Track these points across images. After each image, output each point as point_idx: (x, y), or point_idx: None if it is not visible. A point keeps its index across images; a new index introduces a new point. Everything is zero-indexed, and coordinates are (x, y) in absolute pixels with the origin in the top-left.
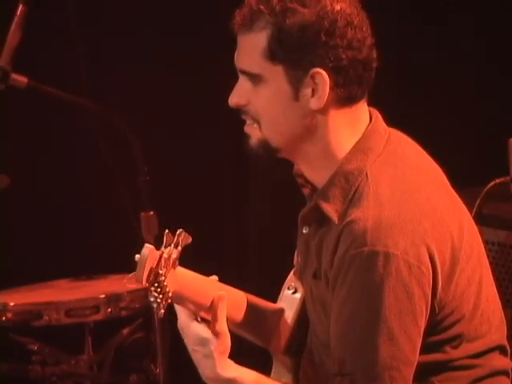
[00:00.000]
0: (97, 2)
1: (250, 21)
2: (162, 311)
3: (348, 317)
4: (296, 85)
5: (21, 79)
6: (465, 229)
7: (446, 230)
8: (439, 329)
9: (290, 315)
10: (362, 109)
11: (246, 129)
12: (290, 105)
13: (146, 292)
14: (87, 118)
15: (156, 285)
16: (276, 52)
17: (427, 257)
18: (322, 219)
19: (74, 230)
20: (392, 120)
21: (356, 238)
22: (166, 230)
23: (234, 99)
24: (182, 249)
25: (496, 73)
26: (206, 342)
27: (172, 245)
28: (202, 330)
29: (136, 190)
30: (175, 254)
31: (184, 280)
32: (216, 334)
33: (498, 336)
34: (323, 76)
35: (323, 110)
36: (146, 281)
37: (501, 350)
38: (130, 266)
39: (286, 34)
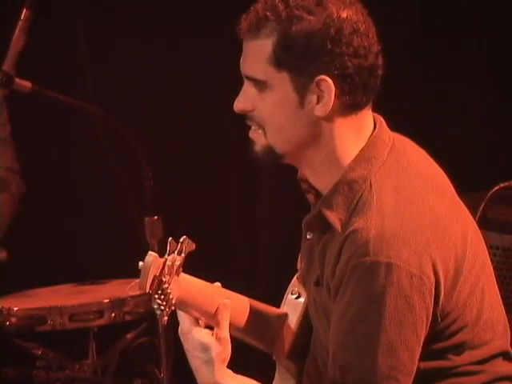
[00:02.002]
0: (102, 7)
1: (256, 27)
2: (166, 318)
3: (348, 326)
4: (301, 92)
5: (25, 84)
6: (468, 237)
7: (449, 240)
8: (442, 337)
9: (293, 320)
10: (367, 116)
11: (251, 135)
12: (295, 112)
13: (150, 297)
14: (92, 123)
15: (159, 292)
16: (282, 59)
17: (430, 267)
18: (325, 226)
19: (78, 234)
20: (396, 124)
21: (358, 247)
22: (170, 238)
23: (239, 105)
24: (186, 256)
25: (501, 76)
26: (208, 347)
27: (175, 252)
28: (204, 335)
29: (140, 194)
30: (179, 261)
31: (188, 287)
32: (218, 340)
33: (502, 342)
34: (329, 83)
35: (328, 118)
36: (150, 288)
37: (504, 355)
38: (134, 271)
39: (292, 41)
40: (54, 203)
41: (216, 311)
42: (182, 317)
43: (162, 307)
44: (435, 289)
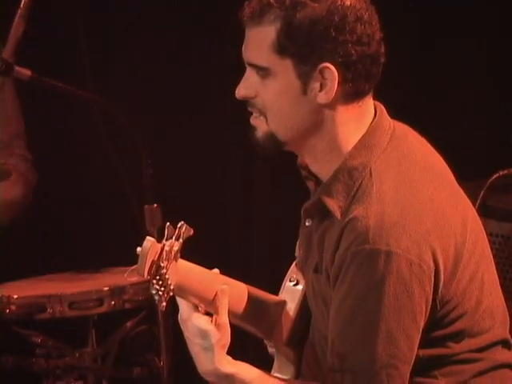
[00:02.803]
0: None
1: (260, 14)
2: (164, 304)
3: (347, 314)
4: (304, 79)
5: (24, 72)
6: (468, 225)
7: (448, 228)
8: (441, 324)
9: (291, 307)
10: (368, 104)
11: (253, 121)
12: (297, 99)
13: (148, 284)
14: (91, 111)
15: (158, 277)
16: (285, 46)
17: (429, 255)
18: (324, 213)
19: (78, 222)
20: (396, 113)
21: (358, 235)
22: (168, 223)
23: (241, 91)
24: (184, 241)
25: (500, 64)
26: (207, 334)
27: (173, 237)
28: (203, 322)
29: (140, 182)
30: (177, 246)
31: (186, 273)
32: (217, 327)
33: (502, 330)
34: (332, 71)
35: (331, 105)
36: (148, 274)
37: (504, 343)
38: (133, 259)
39: (296, 28)
40: (53, 191)
41: (214, 297)
42: (182, 303)
43: (161, 293)
44: (435, 277)
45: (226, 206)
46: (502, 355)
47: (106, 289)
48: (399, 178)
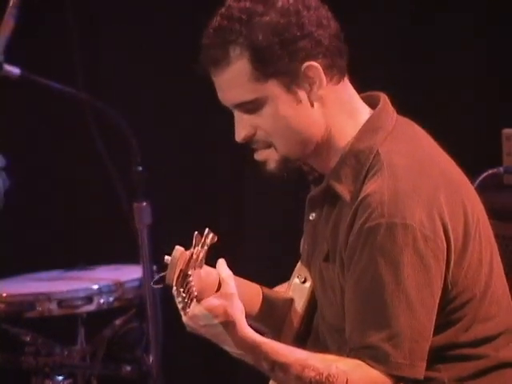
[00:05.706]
0: None
1: (223, 55)
2: (188, 311)
3: (367, 288)
4: (293, 88)
5: (13, 70)
6: (476, 208)
7: (459, 204)
8: (450, 308)
9: (299, 305)
10: (349, 84)
11: (259, 156)
12: (295, 110)
13: (139, 283)
14: (81, 108)
15: (184, 285)
16: (263, 70)
17: (442, 230)
18: (334, 200)
19: (67, 220)
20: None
21: (373, 210)
22: (196, 232)
23: (241, 134)
24: (208, 248)
25: (491, 64)
26: (217, 309)
27: (199, 245)
28: (206, 303)
29: (129, 180)
30: (202, 253)
31: (206, 277)
32: (225, 296)
33: (507, 318)
34: (314, 66)
35: (323, 98)
36: (176, 282)
37: (509, 333)
38: (122, 257)
39: (264, 49)
40: (42, 188)
41: (217, 269)
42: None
43: (186, 300)
44: (447, 253)
45: (215, 204)
46: (506, 353)
47: (95, 287)
48: (408, 155)
